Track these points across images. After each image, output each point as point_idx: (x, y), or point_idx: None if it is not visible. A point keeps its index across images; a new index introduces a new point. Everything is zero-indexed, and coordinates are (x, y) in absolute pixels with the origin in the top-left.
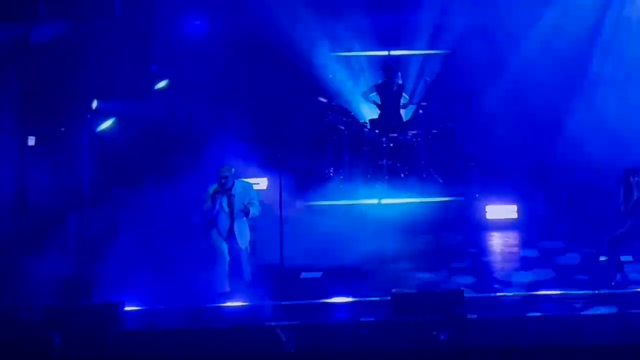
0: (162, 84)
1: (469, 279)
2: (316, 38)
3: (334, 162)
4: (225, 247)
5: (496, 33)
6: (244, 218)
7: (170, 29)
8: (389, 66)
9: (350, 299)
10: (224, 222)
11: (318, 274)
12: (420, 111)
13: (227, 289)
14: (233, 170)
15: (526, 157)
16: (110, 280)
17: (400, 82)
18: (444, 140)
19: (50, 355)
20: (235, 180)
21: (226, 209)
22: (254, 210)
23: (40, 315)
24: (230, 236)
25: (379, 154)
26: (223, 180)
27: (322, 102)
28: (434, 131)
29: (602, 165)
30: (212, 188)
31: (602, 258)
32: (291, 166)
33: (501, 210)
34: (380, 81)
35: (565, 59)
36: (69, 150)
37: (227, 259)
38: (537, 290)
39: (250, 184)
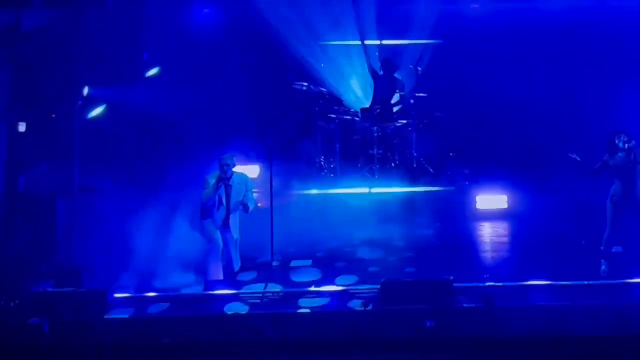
0: (153, 72)
1: (457, 269)
2: (308, 26)
3: (325, 151)
4: (218, 235)
5: (488, 22)
6: (238, 210)
7: (161, 17)
8: (390, 59)
9: (339, 288)
10: (219, 212)
11: (308, 262)
12: (412, 101)
13: (220, 277)
14: (235, 159)
15: (517, 146)
16: (100, 267)
17: (398, 77)
18: (435, 129)
19: (39, 342)
20: (233, 171)
21: (223, 199)
22: (251, 205)
23: (29, 302)
24: (224, 226)
25: (370, 143)
26: (225, 168)
27: (312, 89)
28: (425, 121)
29: (594, 154)
30: (211, 176)
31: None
32: (281, 154)
33: (491, 200)
34: (380, 72)
35: (555, 49)
36: (59, 137)
37: (221, 247)
38: (526, 280)
39: (247, 176)
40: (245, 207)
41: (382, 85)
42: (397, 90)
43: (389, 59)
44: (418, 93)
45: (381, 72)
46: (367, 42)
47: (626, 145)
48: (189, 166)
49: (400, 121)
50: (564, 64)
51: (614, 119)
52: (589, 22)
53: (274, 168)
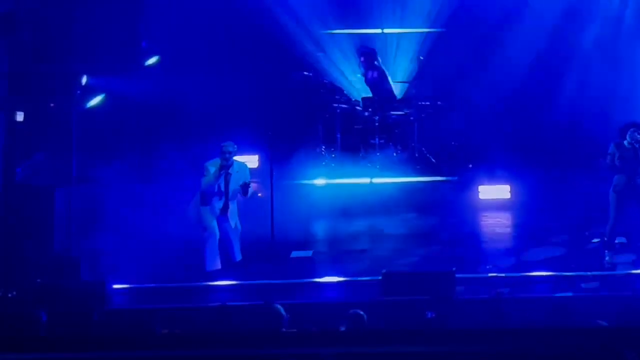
0: (152, 61)
1: (459, 259)
2: (309, 15)
3: (326, 140)
4: (215, 224)
5: (489, 11)
6: (236, 198)
7: (160, 5)
8: (365, 49)
9: (340, 279)
10: (218, 200)
11: (309, 253)
12: (413, 90)
13: (218, 267)
14: (236, 147)
15: (520, 136)
16: (98, 258)
17: (378, 64)
18: (437, 119)
19: (37, 333)
20: (233, 160)
21: (222, 187)
22: (250, 191)
23: (27, 293)
24: (223, 215)
25: (372, 132)
26: (227, 156)
27: (313, 78)
28: (427, 110)
29: (595, 142)
30: (211, 163)
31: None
32: (282, 144)
33: (494, 190)
34: (362, 68)
35: (557, 36)
36: (57, 127)
37: (218, 236)
38: (528, 271)
39: (246, 165)
40: (245, 190)
41: (368, 75)
42: (379, 77)
43: (365, 48)
44: (420, 82)
45: (362, 64)
46: (368, 30)
47: (636, 145)
48: (188, 156)
49: (402, 110)
50: (568, 51)
51: (617, 109)
52: (594, 9)
53: (274, 158)
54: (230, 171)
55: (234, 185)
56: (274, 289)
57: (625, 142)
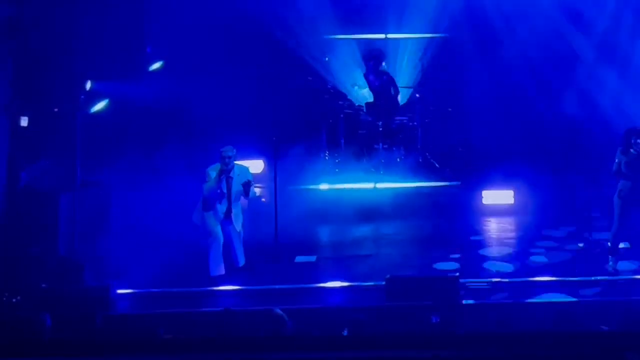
0: (156, 66)
1: (464, 264)
2: (313, 21)
3: (330, 145)
4: (219, 229)
5: (493, 16)
6: (239, 201)
7: (164, 10)
8: (375, 55)
9: (344, 283)
10: (220, 204)
11: (312, 258)
12: (417, 95)
13: (222, 272)
14: (235, 151)
15: (524, 141)
16: (102, 263)
17: (386, 69)
18: (440, 124)
19: (41, 338)
20: (234, 163)
21: (224, 190)
22: (252, 192)
23: (31, 298)
24: (226, 218)
25: (375, 137)
26: (227, 160)
27: (316, 84)
28: (431, 115)
29: (599, 148)
30: (212, 168)
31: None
32: (286, 149)
33: (498, 196)
34: (369, 72)
35: (559, 40)
36: (62, 131)
37: (222, 241)
38: (533, 276)
39: (247, 168)
40: (247, 190)
41: (374, 80)
42: (385, 82)
43: (373, 52)
44: (423, 87)
45: (371, 68)
46: (372, 36)
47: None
48: (193, 161)
49: (405, 116)
50: (572, 56)
51: (622, 113)
52: (598, 14)
53: (278, 163)
54: (231, 175)
55: (236, 188)
56: (278, 293)
57: (632, 150)
